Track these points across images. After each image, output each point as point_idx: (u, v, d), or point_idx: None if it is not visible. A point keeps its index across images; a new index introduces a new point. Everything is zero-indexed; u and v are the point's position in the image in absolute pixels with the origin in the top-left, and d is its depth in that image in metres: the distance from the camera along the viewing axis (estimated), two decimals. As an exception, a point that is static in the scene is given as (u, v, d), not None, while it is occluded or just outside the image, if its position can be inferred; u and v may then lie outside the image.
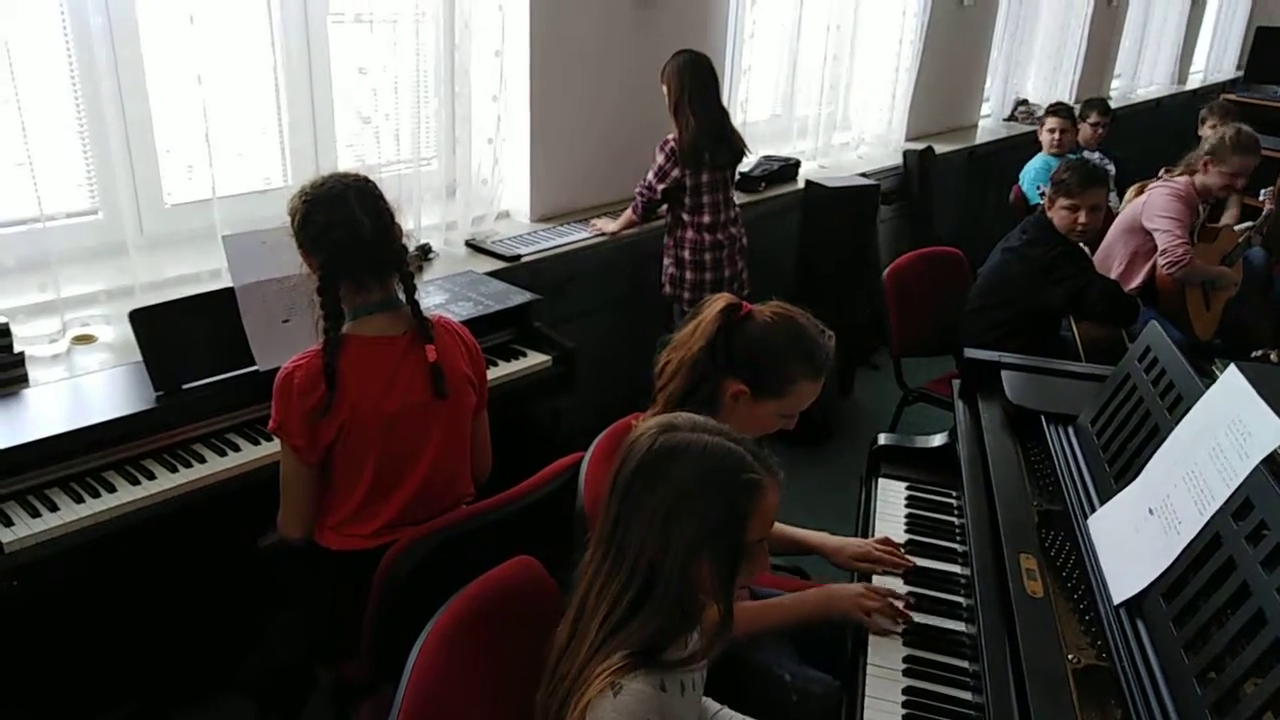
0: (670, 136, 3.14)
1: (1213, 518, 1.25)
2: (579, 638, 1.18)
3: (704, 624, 1.24)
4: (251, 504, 1.91)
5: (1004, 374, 2.03)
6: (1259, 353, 2.56)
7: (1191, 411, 1.43)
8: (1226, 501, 1.24)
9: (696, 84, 3.09)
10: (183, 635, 2.05)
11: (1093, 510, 1.55)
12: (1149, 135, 7.46)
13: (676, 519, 1.14)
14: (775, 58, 4.43)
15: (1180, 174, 3.66)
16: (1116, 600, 1.32)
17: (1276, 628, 1.05)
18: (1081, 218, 2.88)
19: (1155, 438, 1.51)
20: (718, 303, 1.65)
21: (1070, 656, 1.29)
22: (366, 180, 1.73)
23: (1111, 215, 3.81)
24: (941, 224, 5.01)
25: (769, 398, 1.62)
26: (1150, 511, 1.39)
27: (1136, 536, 1.38)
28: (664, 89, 3.13)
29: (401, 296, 1.77)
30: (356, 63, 2.86)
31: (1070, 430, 1.81)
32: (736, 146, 3.23)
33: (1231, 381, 1.36)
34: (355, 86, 2.90)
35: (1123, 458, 1.59)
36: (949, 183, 5.27)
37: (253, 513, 1.91)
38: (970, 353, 2.09)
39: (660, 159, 3.14)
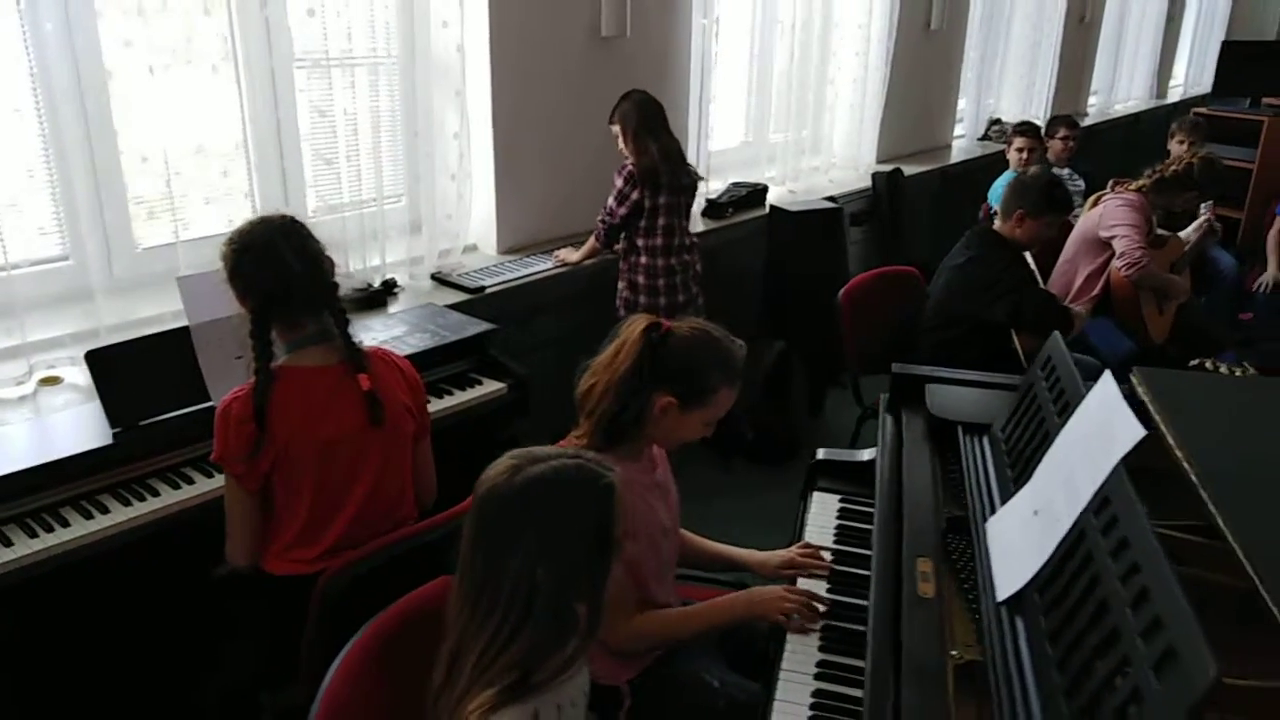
0: (628, 162, 3.22)
1: (1079, 515, 1.31)
2: (456, 674, 1.23)
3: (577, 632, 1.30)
4: (208, 535, 1.98)
5: (932, 387, 2.10)
6: (1196, 361, 2.60)
7: (1073, 417, 1.49)
8: (1091, 499, 1.30)
9: (648, 118, 3.19)
10: (138, 667, 2.12)
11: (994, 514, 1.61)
12: (1127, 150, 7.55)
13: (556, 539, 1.22)
14: (744, 86, 4.54)
15: (1136, 187, 3.73)
16: (999, 598, 1.38)
17: (1115, 615, 1.11)
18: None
19: (1047, 443, 1.58)
20: (639, 324, 1.75)
21: (954, 653, 1.36)
22: (293, 221, 1.83)
23: (1069, 226, 3.88)
24: (915, 243, 5.09)
25: (696, 407, 1.71)
26: (1035, 513, 1.45)
27: (1022, 537, 1.44)
28: (615, 130, 3.23)
29: (335, 329, 1.86)
30: (320, 105, 2.97)
31: (985, 439, 1.88)
32: (692, 172, 3.33)
33: (1104, 388, 1.43)
34: (319, 128, 3.01)
35: (1021, 463, 1.65)
36: (923, 202, 5.36)
37: (209, 543, 1.99)
38: (898, 368, 2.16)
39: (619, 183, 3.22)
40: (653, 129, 3.19)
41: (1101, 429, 1.37)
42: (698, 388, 1.69)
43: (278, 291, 1.77)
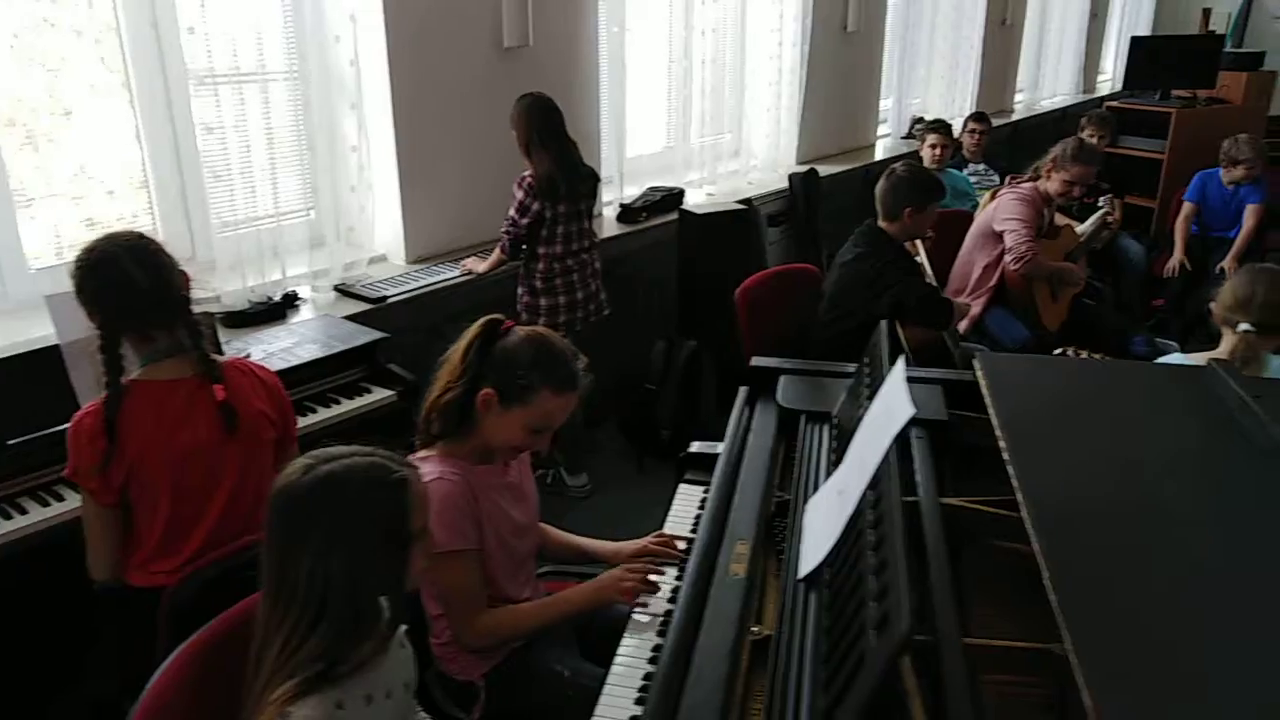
0: (527, 174, 3.28)
1: (863, 493, 1.38)
2: (261, 668, 1.28)
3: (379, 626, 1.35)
4: (77, 550, 2.01)
5: (786, 379, 2.17)
6: (1060, 350, 2.70)
7: (874, 401, 1.56)
8: (871, 478, 1.37)
9: (543, 122, 3.25)
10: (3, 681, 2.13)
11: (817, 498, 1.68)
12: (1054, 143, 7.69)
13: (347, 534, 1.27)
14: (663, 92, 4.60)
15: (1028, 180, 3.85)
16: (799, 575, 1.45)
17: (865, 584, 1.17)
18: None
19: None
20: (482, 319, 1.81)
21: (755, 629, 1.42)
22: (140, 237, 1.87)
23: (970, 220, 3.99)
24: (836, 241, 5.16)
25: (515, 405, 1.76)
26: (839, 493, 1.52)
27: (827, 516, 1.51)
28: (514, 133, 3.29)
29: (189, 342, 1.89)
30: (216, 121, 3.00)
31: (826, 427, 1.95)
32: (589, 175, 3.39)
33: (894, 373, 1.50)
34: (215, 145, 3.03)
35: (844, 447, 1.72)
36: (845, 201, 5.44)
37: (78, 558, 2.01)
38: (757, 361, 2.23)
39: (520, 195, 3.28)
40: (545, 136, 3.24)
41: (887, 411, 1.44)
42: (517, 384, 1.75)
43: (123, 306, 1.81)
